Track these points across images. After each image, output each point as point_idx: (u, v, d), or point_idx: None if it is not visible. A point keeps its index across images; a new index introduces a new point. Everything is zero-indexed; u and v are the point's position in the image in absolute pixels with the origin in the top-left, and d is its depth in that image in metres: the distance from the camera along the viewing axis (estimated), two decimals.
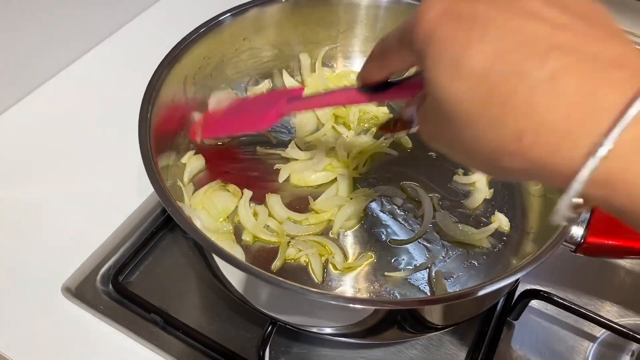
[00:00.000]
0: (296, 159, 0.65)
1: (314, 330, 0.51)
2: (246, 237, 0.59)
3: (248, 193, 0.61)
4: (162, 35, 0.65)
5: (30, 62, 0.76)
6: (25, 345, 0.56)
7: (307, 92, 0.51)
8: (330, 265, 0.58)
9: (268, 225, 0.60)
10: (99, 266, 0.62)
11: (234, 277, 0.48)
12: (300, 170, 0.63)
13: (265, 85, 0.72)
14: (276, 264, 0.57)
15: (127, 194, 0.67)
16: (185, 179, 0.61)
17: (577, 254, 0.51)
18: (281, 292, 0.45)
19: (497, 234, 0.62)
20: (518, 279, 0.59)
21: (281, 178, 0.63)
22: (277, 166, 0.64)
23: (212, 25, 0.61)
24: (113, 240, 0.64)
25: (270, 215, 0.60)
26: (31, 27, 0.74)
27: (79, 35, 0.82)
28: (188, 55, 0.60)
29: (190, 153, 0.64)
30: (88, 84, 0.80)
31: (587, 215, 0.50)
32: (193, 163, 0.62)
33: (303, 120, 0.69)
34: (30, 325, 0.58)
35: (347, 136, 0.67)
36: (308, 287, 0.42)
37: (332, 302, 0.42)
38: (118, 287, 0.60)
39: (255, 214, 0.60)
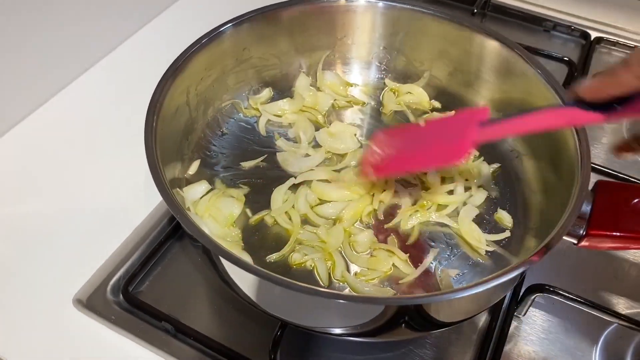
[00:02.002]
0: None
1: (324, 330, 0.52)
2: (267, 219, 0.61)
3: (292, 180, 0.64)
4: (164, 48, 0.66)
5: (35, 79, 0.78)
6: (38, 357, 0.57)
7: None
8: None
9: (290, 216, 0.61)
10: (109, 277, 0.63)
11: (243, 280, 0.49)
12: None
13: (266, 94, 0.73)
14: (276, 255, 0.59)
15: (135, 205, 0.68)
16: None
17: (581, 248, 0.51)
18: (291, 293, 0.46)
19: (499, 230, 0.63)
20: (523, 273, 0.60)
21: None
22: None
23: (213, 36, 0.62)
24: (122, 251, 0.65)
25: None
26: (38, 43, 0.75)
27: (82, 51, 0.83)
28: (190, 66, 0.61)
29: (197, 163, 0.65)
30: (91, 100, 0.81)
31: (589, 208, 0.50)
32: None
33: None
34: (43, 337, 0.59)
35: None
36: (317, 287, 0.42)
37: (342, 300, 0.43)
38: (128, 297, 0.60)
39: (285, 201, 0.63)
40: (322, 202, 0.63)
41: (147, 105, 0.56)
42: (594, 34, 0.96)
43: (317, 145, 0.69)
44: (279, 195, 0.62)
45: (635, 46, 0.95)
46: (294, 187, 0.64)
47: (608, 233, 0.49)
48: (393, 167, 0.58)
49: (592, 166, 0.70)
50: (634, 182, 0.71)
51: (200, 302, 0.62)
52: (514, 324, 0.61)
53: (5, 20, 0.70)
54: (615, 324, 0.61)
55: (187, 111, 0.63)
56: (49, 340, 0.59)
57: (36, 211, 0.68)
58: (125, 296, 0.61)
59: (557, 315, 0.62)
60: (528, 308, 0.61)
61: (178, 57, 0.60)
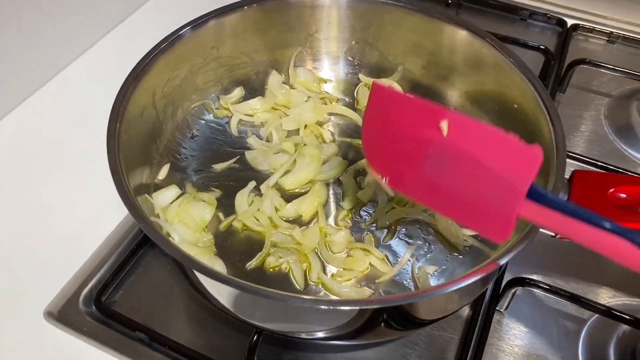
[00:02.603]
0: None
1: (301, 336, 0.51)
2: (236, 224, 0.60)
3: (252, 183, 0.63)
4: (139, 47, 0.64)
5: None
6: None
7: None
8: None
9: (257, 219, 0.60)
10: (80, 288, 0.61)
11: (216, 289, 0.47)
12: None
13: (237, 94, 0.71)
14: (255, 261, 0.57)
15: (106, 214, 0.66)
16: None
17: (560, 239, 0.50)
18: (263, 300, 0.44)
19: None
20: (504, 267, 0.59)
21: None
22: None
23: (172, 40, 0.60)
24: (93, 261, 0.64)
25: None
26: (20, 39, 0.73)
27: (43, 61, 0.81)
28: (153, 69, 0.59)
29: (166, 167, 0.63)
30: (59, 108, 0.79)
31: (565, 199, 0.49)
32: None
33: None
34: (15, 352, 0.57)
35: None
36: (288, 293, 0.41)
37: (314, 306, 0.42)
38: (101, 307, 0.59)
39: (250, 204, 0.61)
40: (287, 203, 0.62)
41: None
42: (570, 22, 0.96)
43: (291, 143, 0.67)
44: (242, 199, 0.61)
45: (611, 32, 0.94)
46: (257, 190, 0.63)
47: None
48: (413, 192, 0.49)
49: (570, 154, 0.70)
50: (612, 170, 0.70)
51: (175, 310, 0.61)
52: (496, 318, 0.60)
53: None
54: (598, 315, 0.60)
55: (153, 113, 0.61)
56: (21, 355, 0.57)
57: (4, 224, 0.66)
58: (98, 306, 0.59)
59: (539, 308, 0.61)
60: (510, 302, 0.60)
61: (140, 61, 0.58)
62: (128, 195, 0.47)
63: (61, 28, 0.81)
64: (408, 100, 0.47)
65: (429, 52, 0.69)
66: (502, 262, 0.44)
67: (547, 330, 0.60)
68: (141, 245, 0.64)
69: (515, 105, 0.61)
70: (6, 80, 0.75)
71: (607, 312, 0.56)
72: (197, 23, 0.63)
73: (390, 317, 0.48)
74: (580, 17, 0.98)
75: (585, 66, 0.83)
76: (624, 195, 0.48)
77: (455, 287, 0.42)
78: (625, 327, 0.58)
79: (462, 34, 0.64)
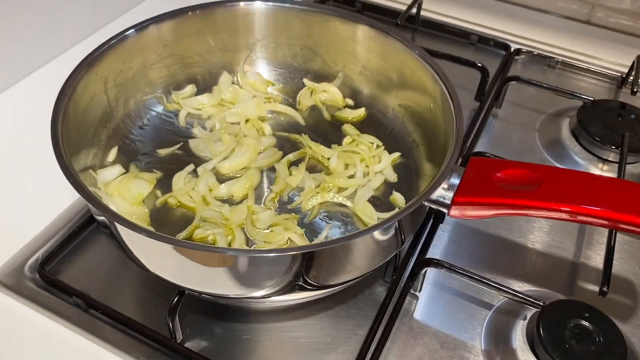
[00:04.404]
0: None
1: (219, 294, 0.55)
2: (171, 201, 0.65)
3: (191, 166, 0.68)
4: None
5: None
6: None
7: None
8: None
9: (191, 197, 0.65)
10: (27, 257, 0.66)
11: (136, 246, 0.52)
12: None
13: (189, 90, 0.78)
14: (184, 233, 0.62)
15: (61, 193, 0.71)
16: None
17: (453, 217, 0.56)
18: (181, 258, 0.49)
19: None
20: (407, 245, 0.65)
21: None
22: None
23: (119, 39, 0.67)
24: (43, 234, 0.69)
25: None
26: None
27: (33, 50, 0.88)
28: (106, 59, 0.66)
29: (115, 150, 0.69)
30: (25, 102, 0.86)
31: (458, 181, 0.55)
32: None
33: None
34: None
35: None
36: (188, 241, 0.46)
37: (202, 251, 0.47)
38: (43, 274, 0.64)
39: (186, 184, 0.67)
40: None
41: None
42: (514, 46, 1.03)
43: (232, 134, 0.73)
44: (180, 179, 0.67)
45: (551, 57, 1.02)
46: (195, 173, 0.69)
47: (470, 200, 0.53)
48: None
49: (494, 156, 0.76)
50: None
51: (115, 281, 0.65)
52: (409, 299, 0.65)
53: None
54: (505, 300, 0.65)
55: (104, 100, 0.68)
56: None
57: None
58: (41, 274, 0.64)
59: (452, 293, 0.66)
60: (422, 284, 0.65)
61: (93, 51, 0.65)
62: (63, 156, 0.52)
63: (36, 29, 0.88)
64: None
65: (363, 58, 0.76)
66: (390, 223, 0.50)
67: (456, 313, 0.64)
68: (89, 223, 0.69)
69: (432, 105, 0.67)
70: None
71: (514, 296, 0.60)
72: (145, 24, 0.69)
73: (299, 275, 0.52)
74: (524, 43, 1.06)
75: (518, 83, 0.90)
76: (504, 177, 0.54)
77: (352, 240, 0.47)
78: (528, 314, 0.63)
79: (387, 41, 0.71)
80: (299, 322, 0.63)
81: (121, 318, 0.60)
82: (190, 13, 0.73)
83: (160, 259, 0.53)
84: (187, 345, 0.59)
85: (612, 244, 0.67)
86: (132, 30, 0.68)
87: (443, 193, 0.54)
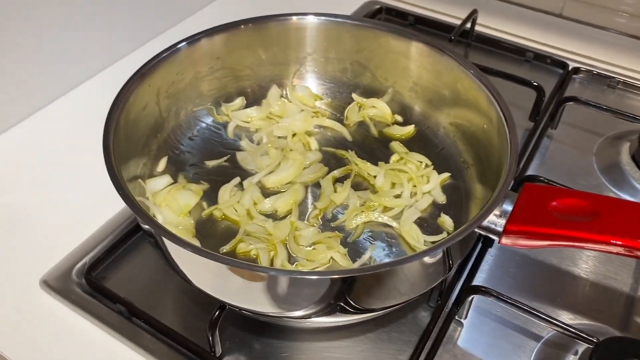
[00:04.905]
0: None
1: (259, 311, 0.55)
2: (216, 213, 0.65)
3: (237, 179, 0.69)
4: None
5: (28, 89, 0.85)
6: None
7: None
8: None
9: (236, 209, 0.65)
10: (75, 262, 0.68)
11: (179, 258, 0.52)
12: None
13: (239, 103, 0.78)
14: (228, 246, 0.62)
15: (109, 200, 0.72)
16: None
17: (504, 245, 0.53)
18: (224, 273, 0.49)
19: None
20: (454, 271, 0.62)
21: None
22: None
23: (172, 52, 0.68)
24: (90, 240, 0.70)
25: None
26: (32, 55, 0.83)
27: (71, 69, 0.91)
28: (159, 70, 0.67)
29: (164, 160, 0.70)
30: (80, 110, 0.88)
31: (511, 207, 0.53)
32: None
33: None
34: (7, 315, 0.64)
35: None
36: (231, 258, 0.46)
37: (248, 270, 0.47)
38: (89, 280, 0.65)
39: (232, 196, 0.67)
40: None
41: None
42: (572, 65, 0.99)
43: (278, 147, 0.73)
44: (225, 192, 0.67)
45: (612, 77, 0.97)
46: (241, 186, 0.69)
47: (523, 228, 0.51)
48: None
49: (549, 181, 0.73)
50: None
51: (160, 290, 0.66)
52: (454, 326, 0.63)
53: None
54: (555, 332, 0.62)
55: (156, 110, 0.69)
56: (14, 317, 0.63)
57: (16, 204, 0.74)
58: (87, 279, 0.65)
59: (498, 321, 0.64)
60: (468, 311, 0.63)
61: (146, 62, 0.66)
62: (112, 165, 0.53)
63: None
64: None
65: (416, 75, 0.75)
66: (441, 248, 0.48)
67: (502, 343, 0.62)
68: (135, 231, 0.70)
69: (485, 126, 0.65)
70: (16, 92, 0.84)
71: (565, 329, 0.57)
72: (197, 37, 0.70)
73: (341, 297, 0.52)
74: (583, 61, 1.02)
75: (576, 104, 0.87)
76: (560, 206, 0.51)
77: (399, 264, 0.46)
78: (580, 349, 0.60)
79: (441, 59, 0.70)
80: (339, 343, 0.62)
81: (162, 328, 0.61)
82: (242, 26, 0.73)
83: (202, 273, 0.53)
84: (225, 359, 0.59)
85: None
86: (184, 43, 0.69)
87: (495, 220, 0.52)
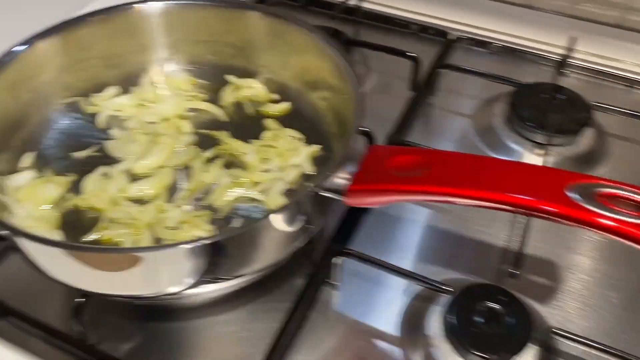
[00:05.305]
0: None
1: (116, 294, 0.55)
2: (81, 203, 0.65)
3: (103, 168, 0.68)
4: None
5: None
6: None
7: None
8: None
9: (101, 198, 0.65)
10: None
11: (26, 249, 0.52)
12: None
13: (111, 92, 0.77)
14: (91, 235, 0.62)
15: None
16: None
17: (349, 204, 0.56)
18: (73, 260, 0.49)
19: None
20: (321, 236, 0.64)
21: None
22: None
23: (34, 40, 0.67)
24: None
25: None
26: None
27: None
28: (17, 63, 0.66)
29: (30, 155, 0.69)
30: None
31: (353, 169, 0.55)
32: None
33: None
34: None
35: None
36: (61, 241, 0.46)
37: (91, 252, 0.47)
38: None
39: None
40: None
41: None
42: (456, 34, 1.03)
43: (149, 133, 0.73)
44: (90, 181, 0.66)
45: (491, 42, 1.01)
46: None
47: (364, 187, 0.53)
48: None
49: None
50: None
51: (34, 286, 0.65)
52: (329, 290, 0.65)
53: None
54: (423, 288, 0.64)
55: (15, 105, 0.67)
56: None
57: None
58: None
59: (371, 281, 0.66)
60: (338, 274, 0.65)
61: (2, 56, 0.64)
62: None
63: None
64: None
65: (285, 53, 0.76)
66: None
67: (375, 302, 0.64)
68: None
69: (346, 96, 0.67)
70: None
71: (427, 282, 0.61)
72: (44, 35, 0.69)
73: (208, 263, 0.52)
74: (465, 30, 1.05)
75: (450, 71, 0.90)
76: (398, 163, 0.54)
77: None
78: (445, 300, 0.63)
79: (295, 31, 0.71)
80: (220, 318, 0.63)
81: (36, 322, 0.60)
82: (103, 16, 0.72)
83: (48, 261, 0.52)
84: (102, 347, 0.59)
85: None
86: (25, 46, 0.68)
87: (339, 182, 0.54)
